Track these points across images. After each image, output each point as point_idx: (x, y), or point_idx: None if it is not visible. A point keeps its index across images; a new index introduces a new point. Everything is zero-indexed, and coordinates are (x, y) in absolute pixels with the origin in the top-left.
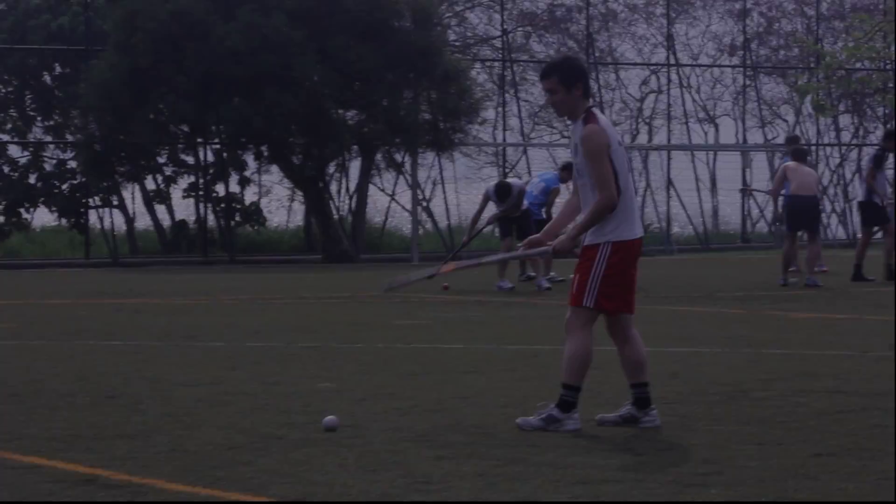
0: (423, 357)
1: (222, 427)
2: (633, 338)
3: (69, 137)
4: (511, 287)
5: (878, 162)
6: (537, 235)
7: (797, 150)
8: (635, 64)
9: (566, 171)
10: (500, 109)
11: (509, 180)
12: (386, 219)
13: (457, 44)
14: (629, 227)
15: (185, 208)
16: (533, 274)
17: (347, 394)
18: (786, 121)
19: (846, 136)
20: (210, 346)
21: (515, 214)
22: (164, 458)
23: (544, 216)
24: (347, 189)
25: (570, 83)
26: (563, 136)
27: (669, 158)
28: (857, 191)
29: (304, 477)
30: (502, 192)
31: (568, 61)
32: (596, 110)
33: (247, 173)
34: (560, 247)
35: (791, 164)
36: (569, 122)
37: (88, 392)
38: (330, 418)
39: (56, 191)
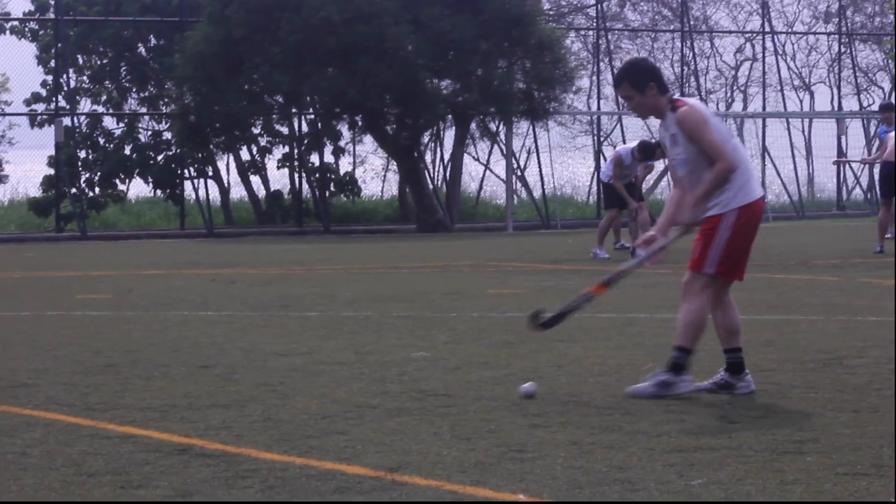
0: (518, 326)
1: (316, 396)
2: (729, 303)
3: (164, 109)
4: (607, 257)
5: None
6: (651, 233)
7: (888, 117)
8: (730, 31)
9: (641, 152)
10: (594, 78)
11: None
12: (480, 188)
13: (551, 13)
14: (750, 189)
15: (279, 179)
16: (627, 245)
17: (441, 363)
18: (881, 88)
19: None
20: (304, 315)
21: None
22: (259, 428)
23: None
24: (442, 159)
25: (641, 85)
26: None
27: (764, 126)
28: None
29: (398, 446)
30: (647, 151)
31: (634, 65)
32: (677, 96)
33: (341, 143)
34: (685, 220)
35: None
36: (657, 122)
37: (183, 362)
38: (527, 385)
39: (151, 162)
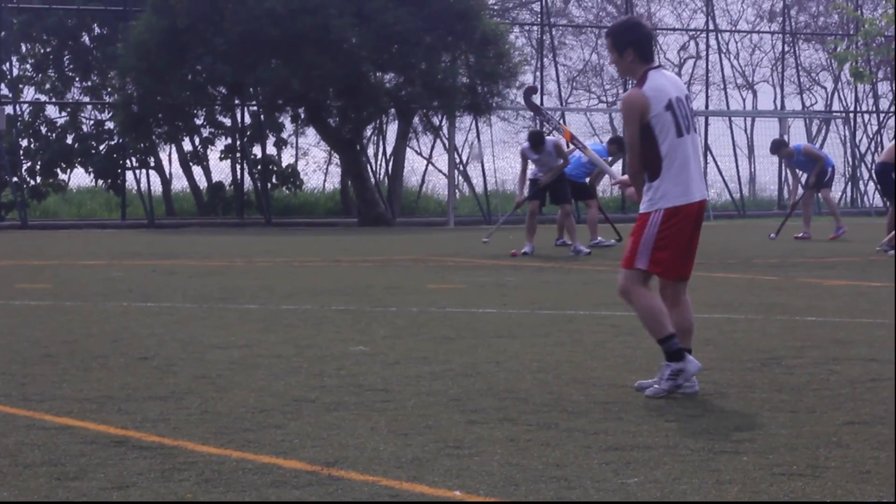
0: (457, 321)
1: (254, 390)
2: (683, 303)
3: (107, 98)
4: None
5: None
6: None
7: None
8: (674, 29)
9: (613, 144)
10: (537, 74)
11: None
12: (423, 182)
13: (495, 7)
14: (681, 193)
15: (221, 170)
16: (568, 241)
17: (380, 357)
18: (824, 87)
19: (885, 104)
20: (244, 308)
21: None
22: (196, 421)
23: (587, 181)
24: (384, 152)
25: (620, 48)
26: (601, 101)
27: (707, 124)
28: None
29: (334, 440)
30: (536, 142)
31: (622, 25)
32: (652, 73)
33: (284, 135)
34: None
35: None
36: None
37: (122, 353)
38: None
39: (93, 152)
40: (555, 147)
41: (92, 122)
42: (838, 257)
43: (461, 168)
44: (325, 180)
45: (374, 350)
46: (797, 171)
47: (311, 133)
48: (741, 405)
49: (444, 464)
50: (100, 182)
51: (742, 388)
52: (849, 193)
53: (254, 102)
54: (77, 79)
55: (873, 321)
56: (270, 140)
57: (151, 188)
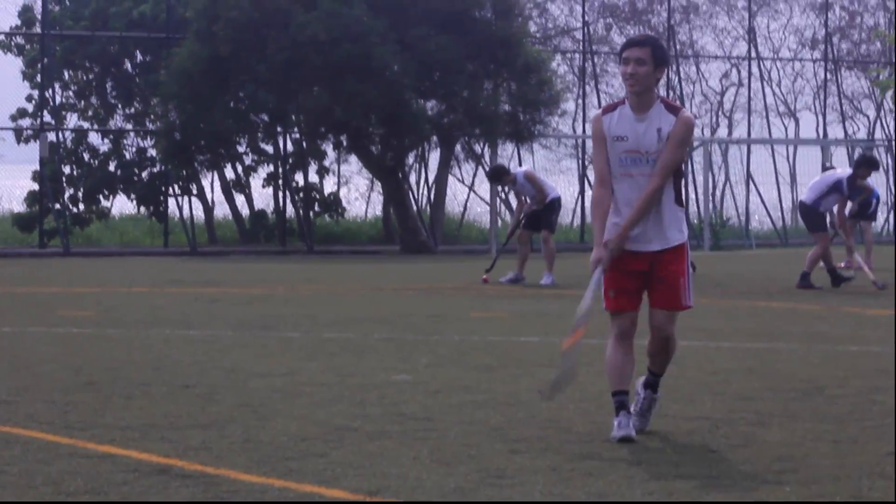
0: (499, 350)
1: (296, 418)
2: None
3: (149, 125)
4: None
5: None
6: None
7: None
8: (716, 56)
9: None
10: (579, 101)
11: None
12: (465, 210)
13: (537, 35)
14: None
15: (264, 198)
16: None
17: (422, 386)
18: (867, 116)
19: None
20: (286, 336)
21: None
22: (238, 449)
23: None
24: (426, 180)
25: (662, 62)
26: None
27: (749, 152)
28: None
29: (377, 469)
30: (493, 176)
31: (662, 43)
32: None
33: (326, 163)
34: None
35: None
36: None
37: (164, 381)
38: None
39: (136, 179)
40: (525, 176)
41: (134, 149)
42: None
43: (503, 196)
44: (367, 208)
45: (416, 379)
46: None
47: (353, 160)
48: (784, 435)
49: (487, 493)
50: (142, 209)
51: (784, 417)
52: (891, 222)
53: (296, 130)
54: (119, 106)
55: None
56: (313, 167)
57: (194, 215)
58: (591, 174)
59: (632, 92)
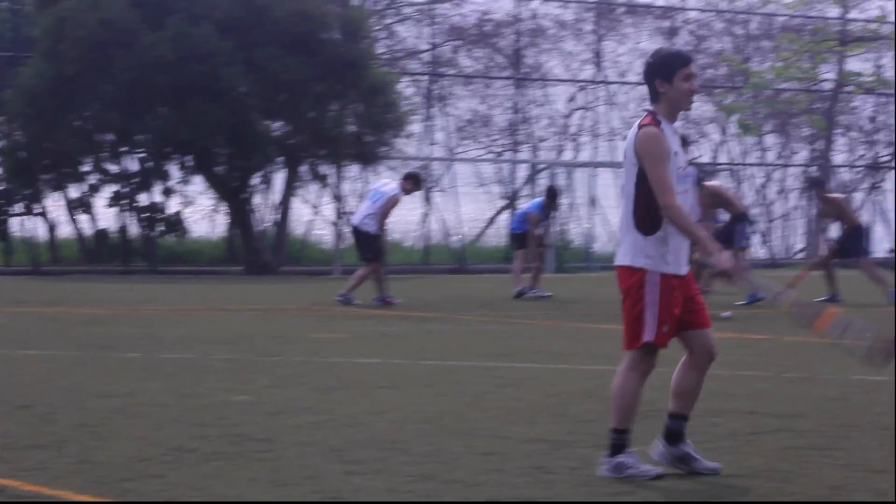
0: (340, 371)
1: (135, 439)
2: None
3: None
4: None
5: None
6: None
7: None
8: (563, 80)
9: (408, 181)
10: (426, 123)
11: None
12: (308, 231)
13: (384, 57)
14: (675, 263)
15: (107, 217)
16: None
17: (262, 407)
18: (710, 139)
19: (771, 156)
20: (126, 356)
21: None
22: (75, 469)
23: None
24: (271, 201)
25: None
26: (489, 150)
27: (594, 175)
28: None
29: (214, 490)
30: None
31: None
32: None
33: (170, 183)
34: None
35: None
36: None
37: (2, 401)
38: None
39: None
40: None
41: None
42: (721, 310)
43: (347, 217)
44: (211, 228)
45: (255, 399)
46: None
47: (197, 181)
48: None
49: None
50: None
51: None
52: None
53: (141, 150)
54: None
55: (755, 374)
56: (157, 187)
57: (37, 235)
58: (437, 196)
59: (687, 108)
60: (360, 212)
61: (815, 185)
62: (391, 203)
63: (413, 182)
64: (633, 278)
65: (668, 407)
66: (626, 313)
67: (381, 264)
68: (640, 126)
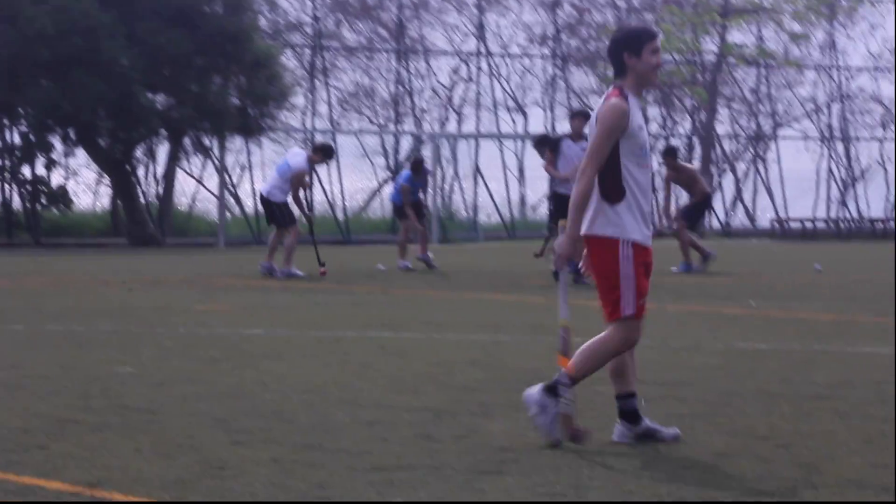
0: (224, 343)
1: (18, 410)
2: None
3: None
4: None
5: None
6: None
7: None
8: (445, 52)
9: (317, 153)
10: (309, 95)
11: None
12: (193, 203)
13: (268, 30)
14: (641, 232)
15: None
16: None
17: (146, 378)
18: (592, 110)
19: (654, 127)
20: (10, 328)
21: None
22: None
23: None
24: (154, 173)
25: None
26: (371, 123)
27: (478, 146)
28: None
29: (98, 461)
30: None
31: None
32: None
33: (53, 155)
34: None
35: None
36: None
37: None
38: None
39: None
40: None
41: None
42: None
43: (231, 189)
44: (95, 201)
45: (140, 371)
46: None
47: (81, 153)
48: (507, 426)
49: (208, 484)
50: None
51: (508, 408)
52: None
53: (23, 122)
54: None
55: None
56: (40, 160)
57: None
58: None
59: (656, 83)
60: (269, 182)
61: (667, 155)
62: (298, 177)
63: (322, 153)
64: (605, 250)
65: (615, 390)
66: (602, 285)
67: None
68: (607, 98)
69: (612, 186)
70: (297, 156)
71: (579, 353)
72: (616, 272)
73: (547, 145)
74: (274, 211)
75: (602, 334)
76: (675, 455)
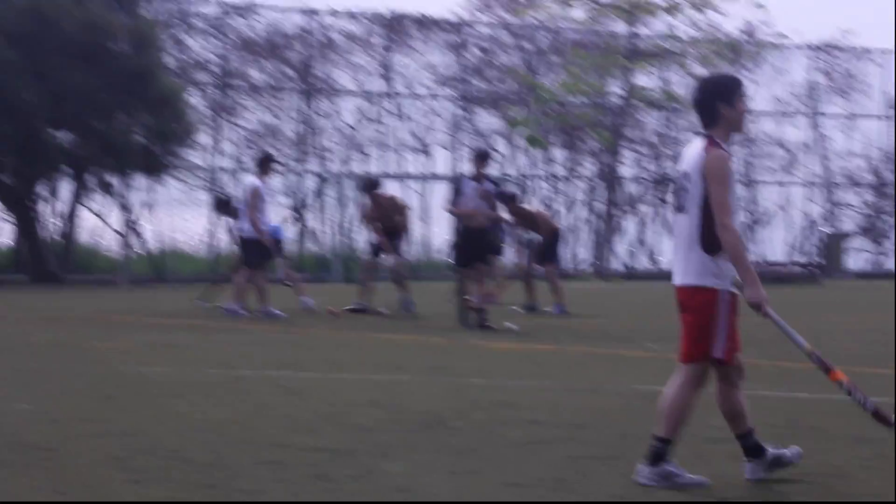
0: (123, 380)
1: None
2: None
3: None
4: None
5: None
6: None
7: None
8: (351, 92)
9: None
10: (214, 134)
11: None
12: (96, 240)
13: (174, 68)
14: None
15: None
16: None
17: (43, 416)
18: (499, 152)
19: (559, 170)
20: None
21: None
22: None
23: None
24: (56, 210)
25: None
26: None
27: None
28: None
29: None
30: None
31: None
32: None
33: None
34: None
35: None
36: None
37: None
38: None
39: None
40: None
41: None
42: (507, 320)
43: (135, 227)
44: None
45: (37, 408)
46: None
47: None
48: (403, 467)
49: None
50: None
51: (405, 449)
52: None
53: None
54: None
55: (538, 384)
56: None
57: None
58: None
59: (744, 130)
60: (242, 219)
61: (507, 200)
62: (253, 197)
63: (263, 165)
64: (703, 296)
65: (733, 431)
66: (690, 327)
67: (258, 273)
68: (707, 149)
69: (711, 238)
70: (247, 183)
71: (663, 416)
72: (715, 318)
73: (369, 189)
74: (246, 249)
75: (672, 385)
76: (569, 498)
